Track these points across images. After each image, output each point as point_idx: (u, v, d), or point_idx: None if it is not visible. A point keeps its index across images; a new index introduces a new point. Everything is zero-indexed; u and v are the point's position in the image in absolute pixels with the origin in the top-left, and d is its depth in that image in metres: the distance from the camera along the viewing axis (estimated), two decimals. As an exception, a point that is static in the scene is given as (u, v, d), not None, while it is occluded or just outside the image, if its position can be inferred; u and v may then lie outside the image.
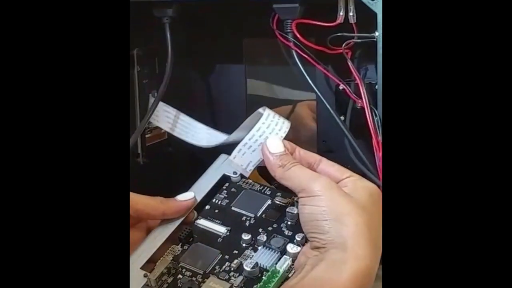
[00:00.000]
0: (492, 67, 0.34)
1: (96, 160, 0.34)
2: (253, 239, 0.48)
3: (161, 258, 0.48)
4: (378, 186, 0.47)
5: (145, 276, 0.46)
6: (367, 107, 0.51)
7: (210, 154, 0.55)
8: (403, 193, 0.36)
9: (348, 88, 0.55)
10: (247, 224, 0.50)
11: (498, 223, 0.32)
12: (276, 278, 0.44)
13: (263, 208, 0.51)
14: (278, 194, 0.52)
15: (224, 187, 0.53)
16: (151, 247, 0.48)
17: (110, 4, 0.36)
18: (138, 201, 0.47)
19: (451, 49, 0.35)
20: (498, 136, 0.33)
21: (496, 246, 0.32)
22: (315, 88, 0.56)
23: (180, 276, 0.46)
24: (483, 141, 0.33)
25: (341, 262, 0.40)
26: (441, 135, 0.34)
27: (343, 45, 0.54)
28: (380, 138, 0.49)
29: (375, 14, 0.48)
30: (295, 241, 0.47)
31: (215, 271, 0.46)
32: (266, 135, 0.49)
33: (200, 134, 0.58)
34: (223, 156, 0.53)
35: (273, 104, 0.60)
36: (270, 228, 0.49)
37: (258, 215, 0.51)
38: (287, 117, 0.59)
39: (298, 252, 0.46)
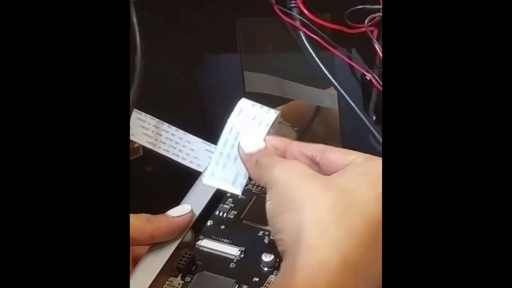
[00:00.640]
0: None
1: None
2: (277, 260, 0.44)
3: (157, 297, 0.44)
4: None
5: None
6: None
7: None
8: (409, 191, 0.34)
9: (376, 78, 0.52)
10: (265, 240, 0.46)
11: (498, 223, 0.33)
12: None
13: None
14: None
15: (228, 194, 0.49)
16: (141, 283, 0.43)
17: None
18: None
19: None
20: (498, 132, 0.33)
21: (496, 245, 0.32)
22: (333, 81, 0.51)
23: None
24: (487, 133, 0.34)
25: (292, 264, 0.36)
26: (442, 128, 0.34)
27: (366, 21, 0.51)
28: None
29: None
30: None
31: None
32: (244, 133, 0.45)
33: (199, 152, 0.52)
34: None
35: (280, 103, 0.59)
36: None
37: None
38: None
39: None
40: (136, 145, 0.56)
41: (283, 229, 0.38)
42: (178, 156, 0.52)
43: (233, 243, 0.46)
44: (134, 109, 0.52)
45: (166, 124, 0.53)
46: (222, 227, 0.47)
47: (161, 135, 0.53)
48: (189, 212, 0.46)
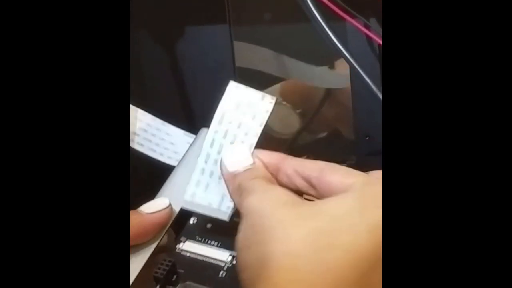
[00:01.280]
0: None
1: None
2: None
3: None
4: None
5: None
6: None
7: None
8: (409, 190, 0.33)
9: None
10: None
11: (498, 223, 0.32)
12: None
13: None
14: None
15: None
16: None
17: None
18: None
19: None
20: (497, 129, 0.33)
21: (496, 243, 0.32)
22: (346, 54, 0.47)
23: None
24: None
25: None
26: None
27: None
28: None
29: None
30: None
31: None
32: (226, 145, 0.43)
33: (179, 146, 0.49)
34: (205, 131, 0.46)
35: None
36: None
37: None
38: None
39: None
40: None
41: (247, 266, 0.35)
42: (154, 151, 0.49)
43: (223, 246, 0.44)
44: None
45: (140, 111, 0.49)
46: (209, 226, 0.45)
47: (134, 124, 0.50)
48: (166, 207, 0.42)
